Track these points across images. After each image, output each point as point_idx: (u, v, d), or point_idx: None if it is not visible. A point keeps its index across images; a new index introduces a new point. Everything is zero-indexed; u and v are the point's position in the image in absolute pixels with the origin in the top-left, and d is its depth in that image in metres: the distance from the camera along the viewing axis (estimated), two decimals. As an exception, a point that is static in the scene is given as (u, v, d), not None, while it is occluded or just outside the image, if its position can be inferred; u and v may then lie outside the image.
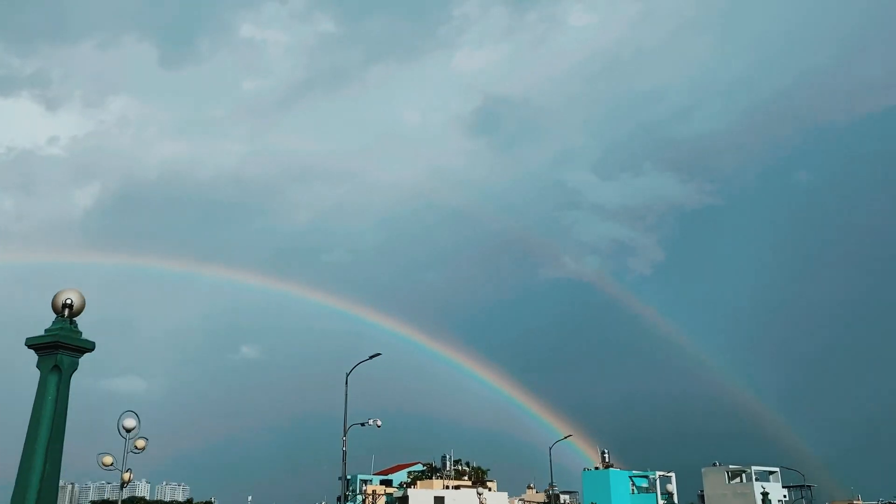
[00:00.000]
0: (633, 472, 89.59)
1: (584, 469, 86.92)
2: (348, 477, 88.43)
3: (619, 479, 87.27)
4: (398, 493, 68.17)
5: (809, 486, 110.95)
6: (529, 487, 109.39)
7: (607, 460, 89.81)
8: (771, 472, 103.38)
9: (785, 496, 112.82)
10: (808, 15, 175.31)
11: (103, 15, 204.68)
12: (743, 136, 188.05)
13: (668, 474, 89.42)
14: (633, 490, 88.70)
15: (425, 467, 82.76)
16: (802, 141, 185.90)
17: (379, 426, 31.96)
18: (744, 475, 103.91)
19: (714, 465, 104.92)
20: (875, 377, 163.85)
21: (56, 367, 9.20)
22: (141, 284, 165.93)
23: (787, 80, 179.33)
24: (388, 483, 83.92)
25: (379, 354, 33.54)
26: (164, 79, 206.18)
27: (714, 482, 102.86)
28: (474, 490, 71.28)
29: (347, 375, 31.15)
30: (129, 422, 19.83)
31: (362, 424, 31.80)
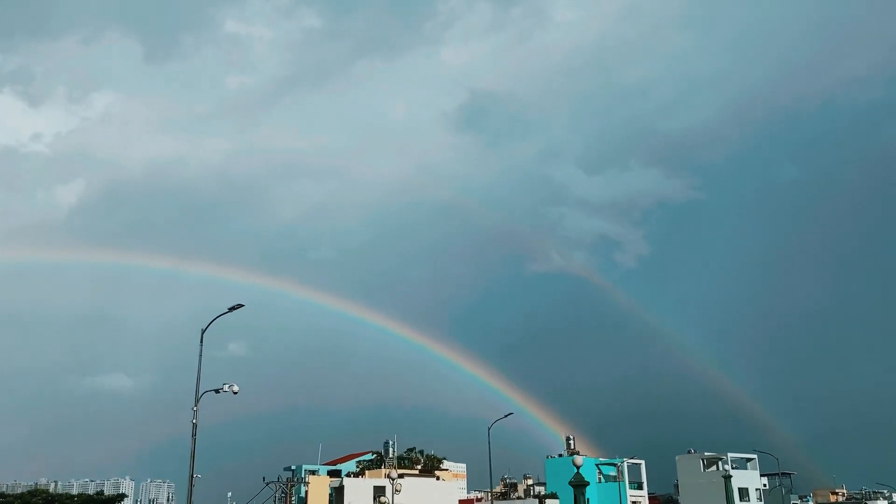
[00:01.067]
0: (601, 459, 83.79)
1: (548, 457, 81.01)
2: (293, 467, 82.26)
3: (584, 467, 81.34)
4: (336, 484, 62.09)
5: (789, 474, 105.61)
6: (503, 479, 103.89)
7: (572, 447, 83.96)
8: (748, 460, 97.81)
9: (765, 485, 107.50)
10: (791, 9, 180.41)
11: (86, 10, 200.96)
12: (727, 130, 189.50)
13: (637, 461, 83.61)
14: (599, 478, 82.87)
15: (375, 456, 76.68)
16: (786, 135, 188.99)
17: (235, 392, 26.03)
18: (720, 463, 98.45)
19: (689, 452, 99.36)
20: (860, 369, 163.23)
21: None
22: (126, 282, 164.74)
23: (770, 73, 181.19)
24: (336, 473, 77.75)
25: (242, 306, 29.67)
26: (148, 75, 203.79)
27: (688, 470, 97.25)
28: (424, 479, 65.41)
29: (203, 332, 25.62)
30: None
31: (217, 391, 25.90)
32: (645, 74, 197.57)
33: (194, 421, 24.92)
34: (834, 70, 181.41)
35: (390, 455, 69.60)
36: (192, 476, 24.31)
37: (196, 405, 24.97)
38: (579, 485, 22.58)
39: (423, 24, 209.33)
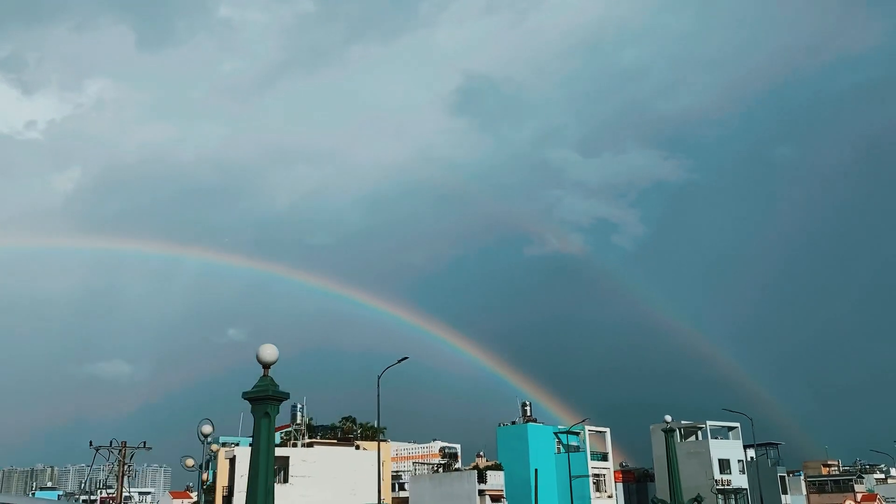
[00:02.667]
0: (559, 427, 74.12)
1: (499, 424, 71.24)
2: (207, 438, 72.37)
3: (541, 436, 71.77)
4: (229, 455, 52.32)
5: (776, 444, 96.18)
6: (479, 456, 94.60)
7: (528, 414, 74.22)
8: (731, 428, 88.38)
9: (752, 457, 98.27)
10: None
11: None
12: (723, 112, 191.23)
13: (601, 429, 73.92)
14: (558, 449, 73.22)
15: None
16: (780, 116, 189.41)
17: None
18: (699, 433, 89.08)
19: (665, 420, 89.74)
20: (854, 344, 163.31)
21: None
22: (124, 268, 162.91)
23: (765, 55, 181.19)
24: (259, 445, 67.57)
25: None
26: (141, 61, 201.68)
27: (664, 441, 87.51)
28: (340, 448, 55.73)
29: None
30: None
31: None
32: (641, 56, 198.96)
33: None
34: (829, 51, 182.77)
35: (298, 421, 60.04)
36: None
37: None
38: (262, 398, 15.70)
39: (417, 6, 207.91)
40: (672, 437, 28.55)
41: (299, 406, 60.99)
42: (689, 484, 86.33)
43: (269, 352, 11.97)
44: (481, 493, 56.77)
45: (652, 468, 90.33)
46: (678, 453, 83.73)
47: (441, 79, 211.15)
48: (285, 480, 51.32)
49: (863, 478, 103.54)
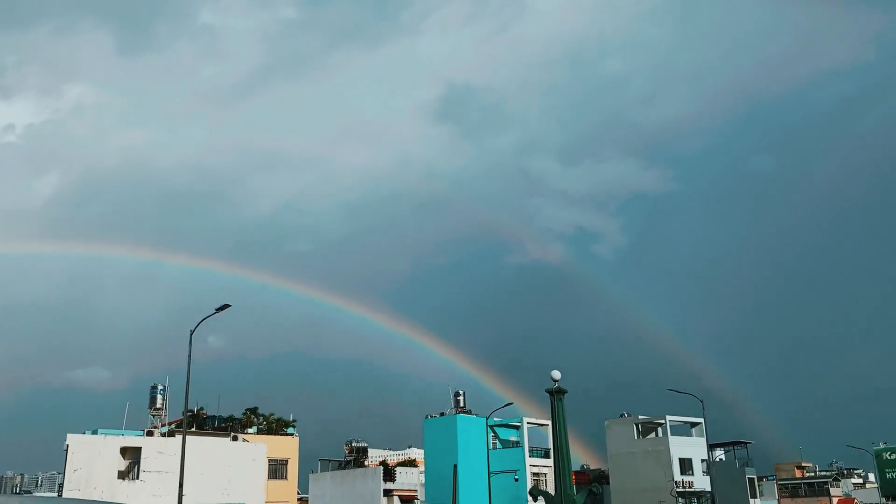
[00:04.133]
0: (495, 419, 65.07)
1: (427, 416, 62.05)
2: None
3: (474, 429, 62.69)
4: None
5: (745, 444, 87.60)
6: (348, 444, 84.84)
7: (461, 404, 65.16)
8: (693, 424, 79.65)
9: (721, 458, 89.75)
10: (768, 2, 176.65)
11: (58, 0, 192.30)
12: (704, 122, 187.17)
13: (543, 423, 64.91)
14: (494, 444, 64.21)
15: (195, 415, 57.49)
16: (760, 127, 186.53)
17: None
18: (659, 429, 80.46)
19: (622, 416, 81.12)
20: (832, 351, 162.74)
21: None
22: (103, 274, 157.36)
23: (745, 66, 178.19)
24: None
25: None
26: (121, 66, 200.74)
27: (620, 438, 78.90)
28: (212, 438, 46.36)
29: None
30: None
31: None
32: (622, 66, 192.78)
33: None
34: (808, 63, 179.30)
35: (157, 405, 50.55)
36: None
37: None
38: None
39: (400, 14, 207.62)
40: (560, 402, 19.54)
41: (160, 387, 51.36)
42: (647, 485, 77.80)
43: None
44: (388, 493, 47.58)
45: (602, 469, 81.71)
46: (635, 451, 75.25)
47: (423, 87, 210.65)
48: (136, 476, 41.79)
49: (839, 481, 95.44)
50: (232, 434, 47.22)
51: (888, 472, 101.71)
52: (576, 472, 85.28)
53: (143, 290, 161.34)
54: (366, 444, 58.84)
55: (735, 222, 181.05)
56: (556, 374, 21.36)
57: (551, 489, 65.70)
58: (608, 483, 79.47)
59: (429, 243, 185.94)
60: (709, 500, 76.07)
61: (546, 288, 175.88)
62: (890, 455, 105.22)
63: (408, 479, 49.39)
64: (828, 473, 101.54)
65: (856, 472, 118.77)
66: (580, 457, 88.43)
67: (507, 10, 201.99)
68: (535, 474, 61.52)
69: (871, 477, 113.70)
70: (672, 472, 74.12)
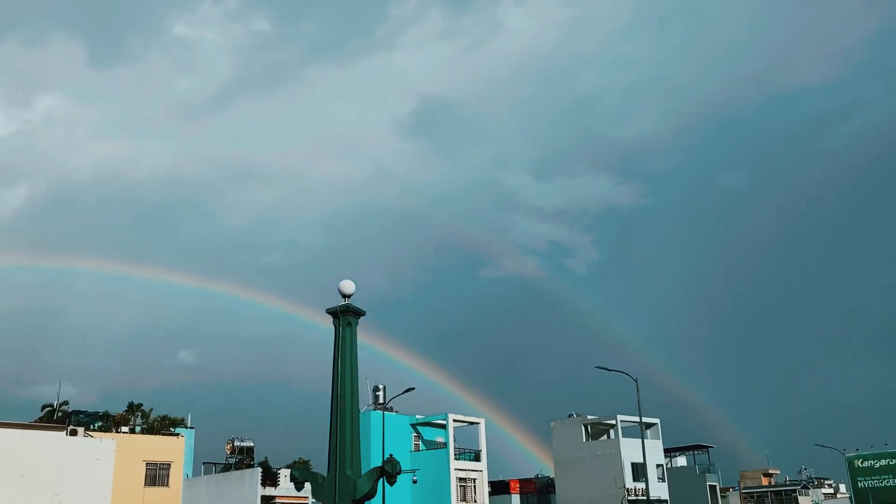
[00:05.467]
0: (417, 416, 56.99)
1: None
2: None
3: (393, 428, 54.52)
4: None
5: (706, 448, 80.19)
6: (229, 442, 76.83)
7: (380, 400, 56.98)
8: (649, 425, 71.92)
9: (683, 465, 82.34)
10: (737, 20, 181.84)
11: (28, 11, 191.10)
12: (675, 139, 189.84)
13: (475, 420, 56.94)
14: (417, 445, 56.09)
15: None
16: (731, 143, 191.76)
17: None
18: (611, 431, 72.76)
19: (570, 416, 73.24)
20: (801, 366, 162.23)
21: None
22: (72, 288, 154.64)
23: (716, 83, 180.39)
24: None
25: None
26: (93, 78, 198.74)
27: (567, 440, 71.02)
28: (44, 432, 37.84)
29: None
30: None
31: None
32: (595, 83, 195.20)
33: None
34: (778, 80, 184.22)
35: None
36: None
37: None
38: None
39: (375, 29, 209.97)
40: (349, 327, 11.05)
41: None
42: (597, 493, 69.57)
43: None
44: (269, 500, 39.11)
45: (549, 477, 73.67)
46: (583, 455, 67.21)
47: (397, 101, 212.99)
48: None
49: (808, 489, 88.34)
50: (70, 428, 38.63)
51: (861, 481, 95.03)
52: (523, 481, 77.44)
53: (114, 305, 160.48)
54: (251, 444, 50.18)
55: (706, 237, 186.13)
56: (348, 286, 13.44)
57: (480, 497, 57.71)
58: (554, 491, 71.68)
59: (403, 257, 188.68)
60: (664, 510, 68.38)
61: (520, 302, 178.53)
62: (863, 462, 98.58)
63: (293, 486, 41.07)
64: (796, 481, 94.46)
65: (826, 481, 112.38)
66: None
67: (482, 26, 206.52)
68: (461, 479, 53.34)
69: (843, 488, 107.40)
70: (623, 478, 66.32)
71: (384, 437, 46.14)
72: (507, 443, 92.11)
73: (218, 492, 41.34)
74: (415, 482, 43.81)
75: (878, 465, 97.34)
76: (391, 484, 12.22)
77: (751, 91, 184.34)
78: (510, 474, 78.84)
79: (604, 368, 36.03)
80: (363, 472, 12.49)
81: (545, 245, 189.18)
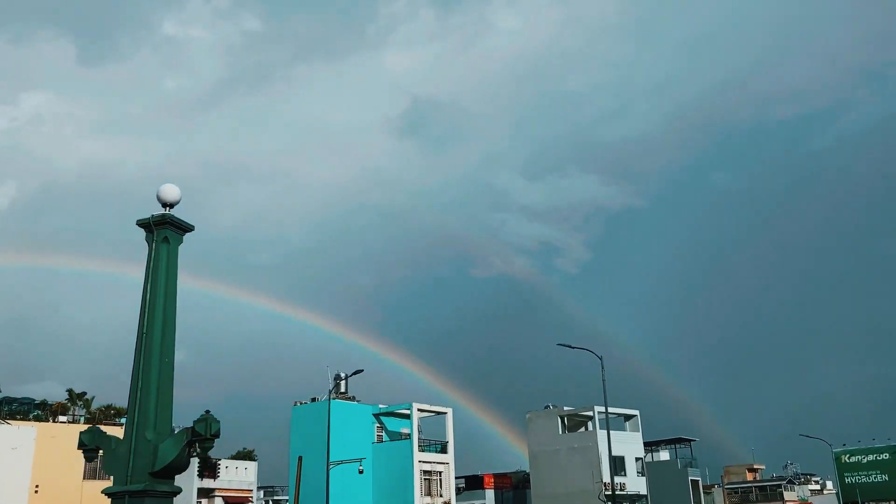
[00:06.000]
0: (380, 406, 53.82)
1: (295, 403, 50.54)
2: None
3: (354, 418, 51.45)
4: None
5: (689, 441, 77.35)
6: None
7: (342, 389, 53.77)
8: (628, 417, 69.12)
9: (665, 459, 79.43)
10: (727, 22, 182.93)
11: (16, 9, 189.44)
12: (664, 138, 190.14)
13: (443, 411, 53.89)
14: (379, 436, 52.91)
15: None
16: (719, 144, 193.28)
17: None
18: (589, 423, 69.82)
19: (547, 407, 70.24)
20: (787, 366, 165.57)
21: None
22: (62, 286, 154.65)
23: (706, 84, 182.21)
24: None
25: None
26: (82, 76, 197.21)
27: (543, 433, 68.02)
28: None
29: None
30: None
31: None
32: (586, 83, 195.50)
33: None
34: (768, 82, 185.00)
35: None
36: None
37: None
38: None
39: (364, 28, 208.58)
40: (167, 244, 7.64)
41: None
42: (573, 487, 66.43)
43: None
44: (207, 493, 35.86)
45: (525, 471, 70.58)
46: (559, 448, 64.16)
47: (388, 101, 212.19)
48: None
49: (794, 484, 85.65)
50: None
51: (848, 476, 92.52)
52: (498, 475, 74.37)
53: (102, 304, 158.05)
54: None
55: (694, 236, 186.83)
56: (169, 192, 10.72)
57: (447, 492, 54.60)
58: (530, 486, 68.68)
59: (394, 257, 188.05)
60: (644, 505, 65.45)
61: (510, 301, 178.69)
62: (850, 458, 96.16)
63: (240, 477, 37.77)
64: (782, 477, 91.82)
65: (813, 478, 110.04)
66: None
67: (472, 26, 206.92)
68: (426, 472, 50.18)
69: (830, 484, 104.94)
70: (601, 472, 63.30)
71: (328, 426, 42.92)
72: (493, 439, 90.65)
73: (154, 484, 38.21)
74: (361, 472, 40.62)
75: (865, 461, 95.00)
76: (202, 456, 9.02)
77: (739, 92, 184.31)
78: (497, 469, 76.14)
79: (566, 346, 32.99)
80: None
81: (535, 245, 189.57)
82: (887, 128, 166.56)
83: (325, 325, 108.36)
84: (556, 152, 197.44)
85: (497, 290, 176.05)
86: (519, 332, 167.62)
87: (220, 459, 36.90)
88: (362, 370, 41.00)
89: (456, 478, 72.66)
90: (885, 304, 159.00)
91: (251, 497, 38.06)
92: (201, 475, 36.19)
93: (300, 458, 38.90)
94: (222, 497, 36.84)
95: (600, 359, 32.27)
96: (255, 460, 41.40)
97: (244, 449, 45.50)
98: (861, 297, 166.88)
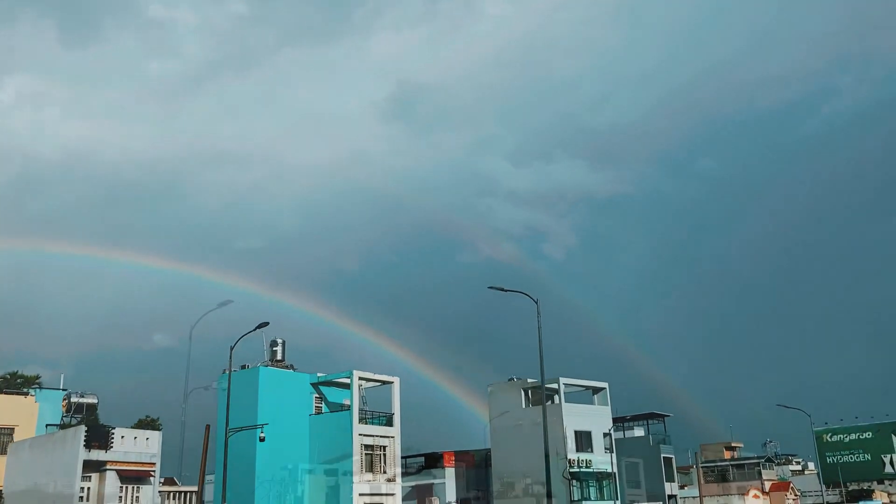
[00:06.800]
0: (319, 374, 49.27)
1: (224, 371, 45.84)
2: None
3: (289, 387, 46.90)
4: None
5: (661, 416, 73.18)
6: None
7: (278, 356, 49.17)
8: (597, 390, 64.88)
9: (642, 434, 75.25)
10: (715, 9, 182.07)
11: None
12: (651, 125, 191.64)
13: (388, 380, 49.42)
14: (318, 408, 48.40)
15: None
16: (706, 132, 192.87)
17: None
18: (555, 397, 65.55)
19: (511, 380, 65.85)
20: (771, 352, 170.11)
21: None
22: (45, 272, 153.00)
23: (693, 72, 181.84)
24: None
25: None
26: (64, 58, 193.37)
27: (504, 405, 63.66)
28: None
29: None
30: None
31: None
32: (574, 69, 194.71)
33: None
34: (754, 69, 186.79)
35: None
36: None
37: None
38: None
39: (352, 12, 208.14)
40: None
41: None
42: (535, 464, 61.57)
43: None
44: (100, 465, 31.25)
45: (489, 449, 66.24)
46: (522, 422, 59.85)
47: (375, 85, 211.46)
48: None
49: (773, 462, 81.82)
50: None
51: (830, 456, 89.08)
52: (459, 453, 70.05)
53: (88, 289, 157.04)
54: (94, 400, 41.93)
55: (680, 222, 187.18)
56: None
57: (391, 468, 50.22)
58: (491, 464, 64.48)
59: (380, 241, 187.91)
60: (610, 486, 61.27)
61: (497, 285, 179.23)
62: (832, 437, 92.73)
63: (139, 448, 33.12)
64: (761, 456, 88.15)
65: (795, 459, 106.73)
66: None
67: (460, 11, 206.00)
68: (367, 446, 45.68)
69: (811, 466, 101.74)
70: (566, 448, 59.10)
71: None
72: (459, 412, 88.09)
73: (41, 456, 33.53)
74: (262, 440, 36.08)
75: (847, 440, 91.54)
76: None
77: (726, 78, 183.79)
78: (465, 447, 72.10)
79: (497, 289, 28.51)
80: None
81: (522, 230, 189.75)
82: (874, 114, 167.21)
83: (312, 310, 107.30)
84: (544, 138, 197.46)
85: (482, 274, 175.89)
86: (503, 317, 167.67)
87: (113, 428, 32.32)
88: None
89: (413, 455, 68.64)
90: (873, 289, 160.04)
91: (153, 471, 33.42)
92: (88, 445, 31.51)
93: (207, 427, 34.33)
94: (116, 471, 32.21)
95: (536, 302, 27.81)
96: (159, 430, 36.74)
97: (147, 417, 41.04)
98: (849, 281, 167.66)
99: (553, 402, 63.94)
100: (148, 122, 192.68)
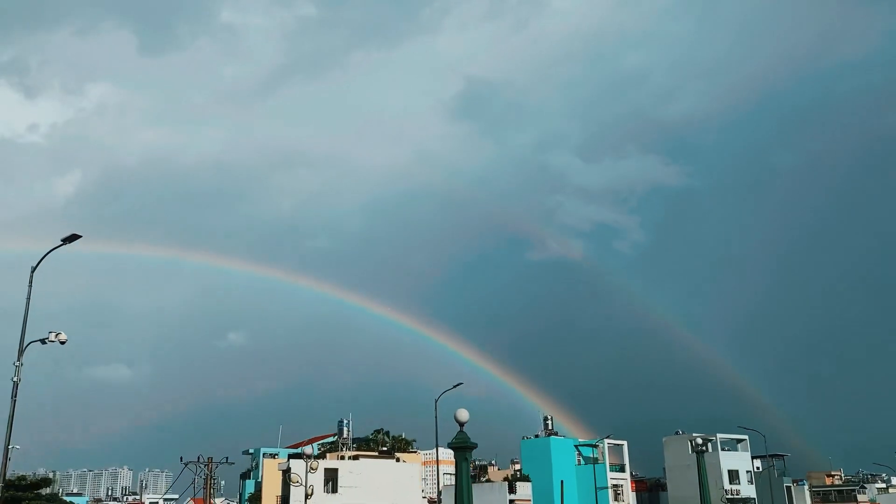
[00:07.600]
0: (579, 440, 78.61)
1: (523, 437, 75.70)
2: (251, 450, 77.07)
3: (562, 448, 76.23)
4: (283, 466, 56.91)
5: (782, 456, 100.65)
6: (491, 465, 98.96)
7: (550, 427, 78.71)
8: (739, 440, 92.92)
9: (758, 468, 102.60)
10: None
11: (81, 1, 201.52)
12: (723, 117, 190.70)
13: (619, 442, 78.39)
14: (579, 461, 77.69)
15: (336, 437, 71.57)
16: (780, 122, 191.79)
17: (63, 341, 20.96)
18: (709, 444, 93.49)
19: (677, 433, 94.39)
20: (855, 354, 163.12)
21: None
22: (124, 272, 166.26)
23: (765, 60, 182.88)
24: (297, 457, 72.71)
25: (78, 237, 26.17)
26: (143, 66, 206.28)
27: (676, 452, 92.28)
28: (382, 461, 60.17)
29: (33, 270, 20.34)
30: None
31: (42, 342, 20.93)
32: (642, 61, 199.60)
33: (15, 379, 19.64)
34: (829, 56, 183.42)
35: (344, 435, 64.56)
36: (7, 447, 18.88)
37: (20, 359, 19.69)
38: (461, 447, 16.18)
39: (419, 12, 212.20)
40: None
41: (346, 421, 65.54)
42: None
43: (464, 414, 15.89)
44: (511, 503, 61.22)
45: (663, 478, 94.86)
46: (689, 464, 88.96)
47: (442, 84, 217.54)
48: (334, 490, 55.84)
49: (865, 488, 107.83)
50: (396, 456, 60.98)
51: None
52: (634, 481, 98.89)
53: (164, 288, 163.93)
54: (485, 463, 72.33)
55: (754, 216, 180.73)
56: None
57: (627, 499, 79.29)
58: (665, 490, 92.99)
59: (449, 240, 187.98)
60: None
61: (567, 284, 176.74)
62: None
63: (523, 492, 62.92)
64: (854, 480, 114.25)
65: (880, 476, 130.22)
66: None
67: (526, 7, 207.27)
68: (614, 486, 74.99)
69: (895, 481, 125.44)
70: (722, 481, 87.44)
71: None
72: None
73: (475, 497, 63.38)
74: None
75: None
76: None
77: (797, 67, 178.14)
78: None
79: (744, 428, 56.78)
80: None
81: (592, 226, 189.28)
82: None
83: (381, 311, 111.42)
84: (613, 133, 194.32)
85: (552, 273, 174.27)
86: (574, 315, 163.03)
87: (514, 480, 62.19)
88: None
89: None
90: None
91: (530, 505, 63.26)
92: (509, 491, 61.56)
93: (562, 482, 64.11)
94: (518, 505, 62.13)
95: (764, 437, 56.08)
96: (529, 480, 66.16)
97: (517, 470, 70.02)
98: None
99: (707, 449, 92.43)
100: (221, 126, 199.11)
